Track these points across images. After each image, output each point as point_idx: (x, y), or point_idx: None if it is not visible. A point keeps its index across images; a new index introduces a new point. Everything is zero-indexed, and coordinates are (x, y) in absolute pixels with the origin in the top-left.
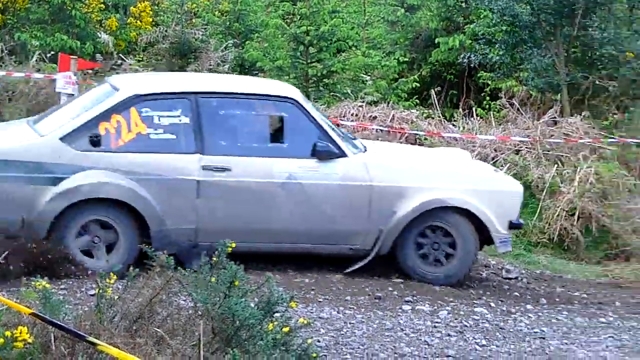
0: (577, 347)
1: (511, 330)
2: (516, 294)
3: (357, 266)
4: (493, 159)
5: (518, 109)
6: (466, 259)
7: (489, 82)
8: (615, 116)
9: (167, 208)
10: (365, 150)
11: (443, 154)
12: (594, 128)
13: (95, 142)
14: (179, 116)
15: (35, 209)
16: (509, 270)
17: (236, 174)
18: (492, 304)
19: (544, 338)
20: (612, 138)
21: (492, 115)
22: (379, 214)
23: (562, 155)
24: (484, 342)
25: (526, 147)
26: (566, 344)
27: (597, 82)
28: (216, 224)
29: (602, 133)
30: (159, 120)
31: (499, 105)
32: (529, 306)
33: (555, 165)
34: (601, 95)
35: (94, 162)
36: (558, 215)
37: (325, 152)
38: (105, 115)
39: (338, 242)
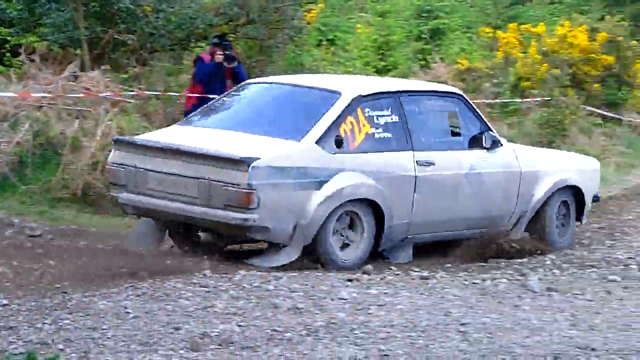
0: (98, 299)
1: None
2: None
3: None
4: (14, 116)
5: (39, 65)
6: (573, 227)
7: (9, 38)
8: (135, 69)
9: (395, 205)
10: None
11: None
12: (113, 82)
13: (339, 144)
14: (390, 115)
15: (305, 214)
16: (33, 228)
17: (438, 167)
18: None
19: None
20: (132, 91)
21: (13, 72)
22: (523, 197)
23: (84, 110)
24: None
25: (48, 103)
26: (87, 296)
27: (117, 36)
28: (425, 217)
29: (123, 86)
30: (378, 120)
31: (20, 61)
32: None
33: (77, 120)
34: (121, 49)
35: (340, 163)
36: (81, 170)
37: (495, 142)
38: (342, 117)
39: (496, 224)
